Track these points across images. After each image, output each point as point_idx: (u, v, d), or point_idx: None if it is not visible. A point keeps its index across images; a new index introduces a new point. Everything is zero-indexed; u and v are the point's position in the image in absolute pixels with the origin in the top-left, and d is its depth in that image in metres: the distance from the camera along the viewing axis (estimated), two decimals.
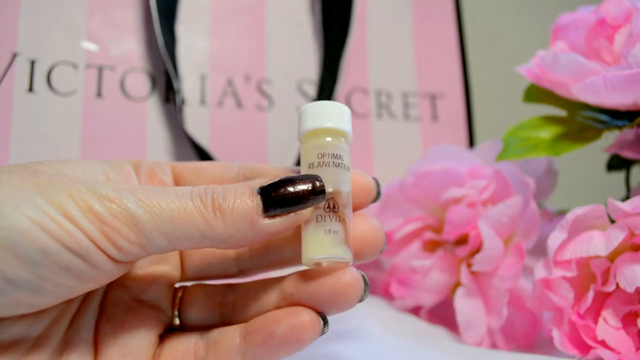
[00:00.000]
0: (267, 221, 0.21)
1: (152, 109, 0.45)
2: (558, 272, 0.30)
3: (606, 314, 0.29)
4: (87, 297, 0.24)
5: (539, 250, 0.36)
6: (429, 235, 0.39)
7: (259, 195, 0.21)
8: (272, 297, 0.24)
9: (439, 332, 0.36)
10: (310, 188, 0.21)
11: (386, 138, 0.51)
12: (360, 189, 0.25)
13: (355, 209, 0.25)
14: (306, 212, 0.22)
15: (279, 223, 0.21)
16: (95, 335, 0.24)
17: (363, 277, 0.23)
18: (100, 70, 0.44)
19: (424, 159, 0.40)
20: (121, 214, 0.20)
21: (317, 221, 0.22)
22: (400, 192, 0.40)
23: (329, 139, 0.23)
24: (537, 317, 0.34)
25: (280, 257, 0.26)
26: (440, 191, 0.38)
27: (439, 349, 0.31)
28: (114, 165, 0.24)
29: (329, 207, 0.22)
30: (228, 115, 0.46)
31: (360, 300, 0.23)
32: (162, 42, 0.43)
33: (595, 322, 0.29)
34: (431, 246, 0.40)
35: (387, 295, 0.41)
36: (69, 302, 0.23)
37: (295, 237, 0.24)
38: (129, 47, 0.45)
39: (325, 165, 0.23)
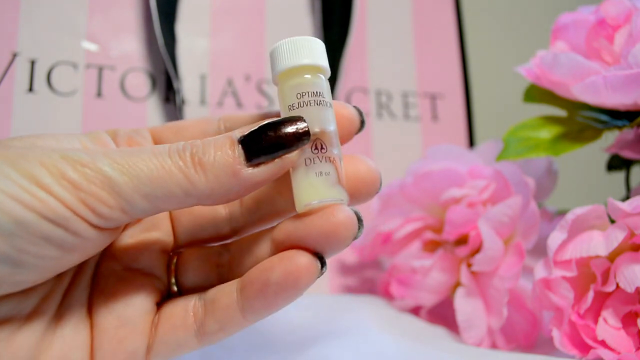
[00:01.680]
0: (251, 170, 0.20)
1: (152, 109, 0.45)
2: (558, 272, 0.30)
3: (606, 314, 0.29)
4: (78, 271, 0.24)
5: (539, 250, 0.36)
6: (429, 235, 0.39)
7: (240, 145, 0.20)
8: (264, 248, 0.23)
9: (439, 332, 0.36)
10: (293, 130, 0.20)
11: (386, 138, 0.51)
12: (342, 120, 0.23)
13: (340, 142, 0.24)
14: (292, 157, 0.21)
15: (264, 171, 0.20)
16: (89, 308, 0.23)
17: (356, 213, 0.21)
18: (100, 70, 0.44)
19: (424, 159, 0.40)
20: (96, 178, 0.19)
21: (306, 165, 0.21)
22: (400, 192, 0.40)
23: (307, 76, 0.22)
24: (537, 317, 0.34)
25: (273, 208, 0.25)
26: (440, 191, 0.38)
27: (439, 349, 0.31)
28: (90, 136, 0.23)
29: (316, 148, 0.21)
30: None
31: (355, 238, 0.21)
32: (162, 42, 0.43)
33: (595, 322, 0.29)
34: (431, 246, 0.40)
35: (387, 295, 0.41)
36: (59, 277, 0.22)
37: (287, 185, 0.23)
38: (129, 47, 0.45)
39: (307, 105, 0.21)
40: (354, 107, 0.24)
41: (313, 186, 0.21)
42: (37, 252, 0.19)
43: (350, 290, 0.46)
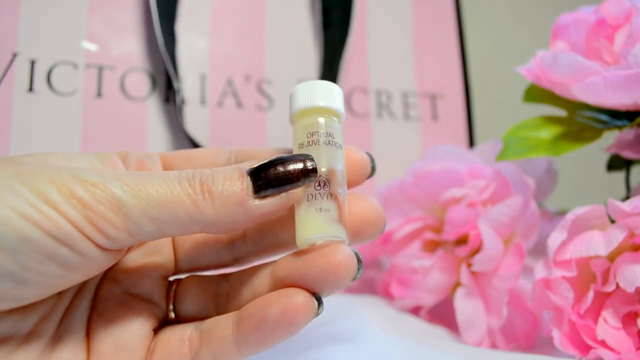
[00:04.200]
0: (258, 202, 0.21)
1: (152, 109, 0.45)
2: (558, 272, 0.30)
3: (606, 314, 0.29)
4: (79, 291, 0.24)
5: (539, 250, 0.36)
6: (429, 235, 0.39)
7: (249, 177, 0.21)
8: (264, 282, 0.23)
9: (439, 332, 0.36)
10: (301, 167, 0.21)
11: (386, 138, 0.51)
12: (354, 164, 0.24)
13: (350, 186, 0.24)
14: (298, 192, 0.21)
15: (270, 204, 0.21)
16: (88, 331, 0.23)
17: (356, 254, 0.22)
18: (100, 70, 0.44)
19: (424, 159, 0.40)
20: (106, 199, 0.19)
21: (308, 200, 0.22)
22: (400, 192, 0.40)
23: (318, 117, 0.23)
24: (537, 317, 0.34)
25: (276, 240, 0.25)
26: (440, 191, 0.38)
27: (439, 349, 0.31)
28: (101, 157, 0.24)
29: (319, 185, 0.22)
30: (228, 115, 0.46)
31: (354, 279, 0.22)
32: (162, 42, 0.43)
33: (595, 322, 0.29)
34: (431, 246, 0.40)
35: (387, 295, 0.41)
36: (59, 297, 0.23)
37: (291, 219, 0.23)
38: (129, 47, 0.45)
39: (315, 144, 0.22)
40: (367, 153, 0.25)
41: (312, 221, 0.21)
42: (41, 270, 0.19)
43: (350, 290, 0.46)
